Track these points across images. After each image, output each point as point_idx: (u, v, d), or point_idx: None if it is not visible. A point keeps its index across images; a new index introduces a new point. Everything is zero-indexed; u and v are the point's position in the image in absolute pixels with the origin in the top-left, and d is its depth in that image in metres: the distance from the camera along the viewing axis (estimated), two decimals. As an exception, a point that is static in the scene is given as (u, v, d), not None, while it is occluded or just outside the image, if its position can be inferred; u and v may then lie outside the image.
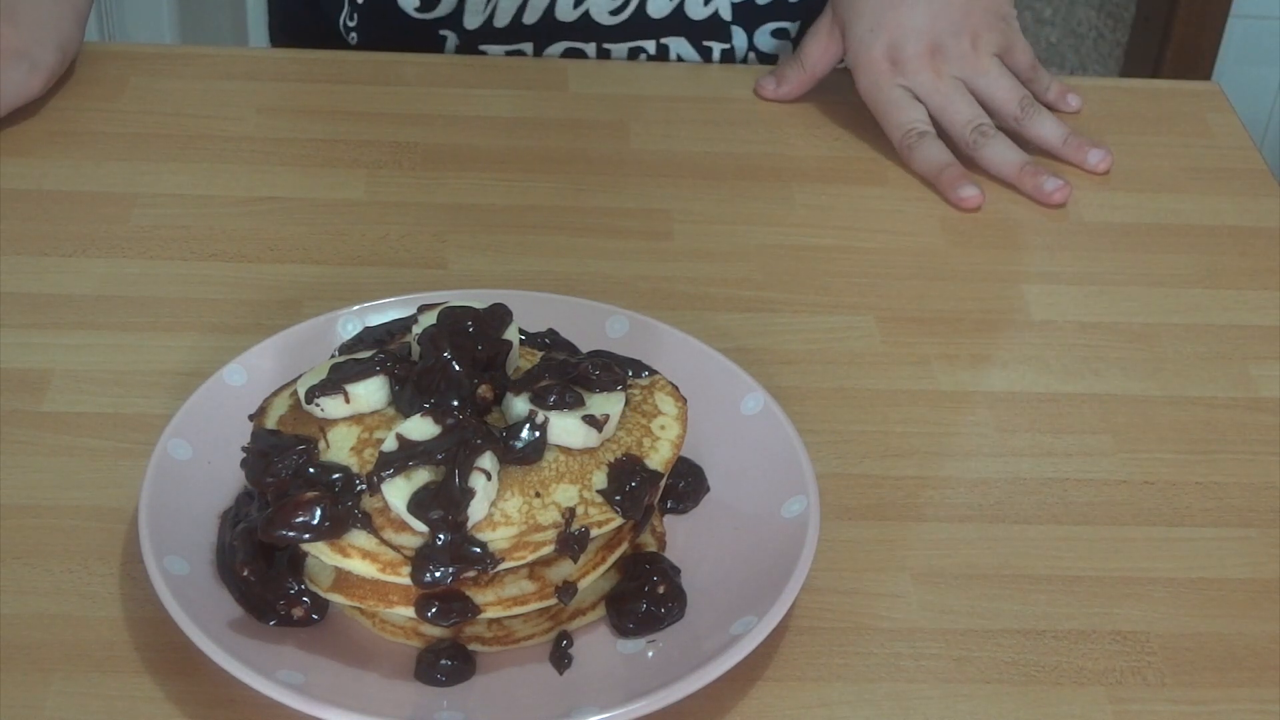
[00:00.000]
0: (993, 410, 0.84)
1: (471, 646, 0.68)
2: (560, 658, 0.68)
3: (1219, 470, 0.81)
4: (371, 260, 0.91)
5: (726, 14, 1.12)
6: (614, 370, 0.70)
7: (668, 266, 0.92)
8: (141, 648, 0.68)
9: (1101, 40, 2.84)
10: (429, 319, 0.72)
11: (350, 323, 0.80)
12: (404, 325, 0.75)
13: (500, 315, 0.72)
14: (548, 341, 0.76)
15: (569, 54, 1.12)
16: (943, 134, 1.02)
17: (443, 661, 0.66)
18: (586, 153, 1.02)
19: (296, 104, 1.05)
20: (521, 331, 0.74)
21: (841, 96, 1.08)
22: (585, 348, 0.77)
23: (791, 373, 0.85)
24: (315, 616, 0.68)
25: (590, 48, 1.12)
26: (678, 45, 1.12)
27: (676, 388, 0.73)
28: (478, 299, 0.73)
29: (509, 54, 1.12)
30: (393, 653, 0.68)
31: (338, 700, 0.63)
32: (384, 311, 0.80)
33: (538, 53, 1.12)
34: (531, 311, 0.78)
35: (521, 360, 0.72)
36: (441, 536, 0.64)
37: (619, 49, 1.12)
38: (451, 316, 0.71)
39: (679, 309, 0.89)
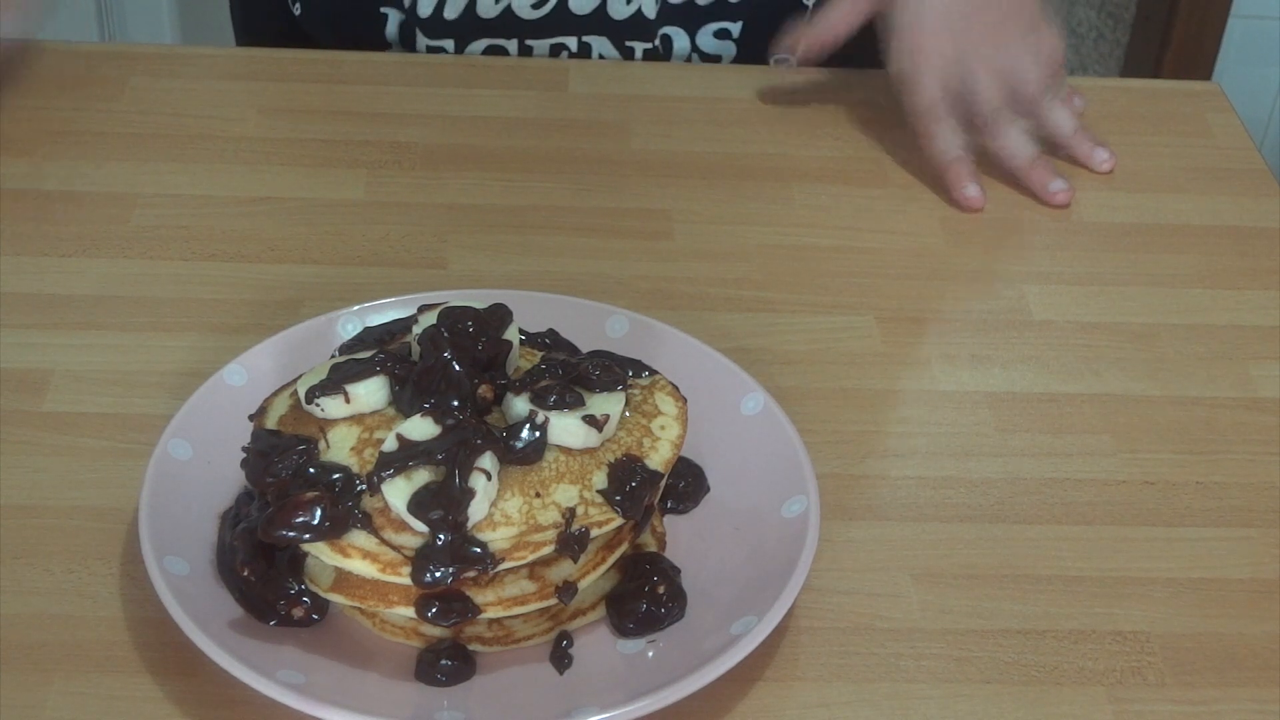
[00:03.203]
0: (993, 410, 0.84)
1: (472, 646, 0.68)
2: (560, 658, 0.68)
3: (1219, 470, 0.81)
4: (371, 260, 0.91)
5: (650, 12, 1.11)
6: (614, 370, 0.70)
7: (668, 266, 0.92)
8: (141, 648, 0.68)
9: (1101, 40, 2.84)
10: (429, 319, 0.72)
11: (350, 323, 0.80)
12: (404, 325, 0.75)
13: (500, 315, 0.72)
14: (548, 341, 0.76)
15: (490, 51, 1.12)
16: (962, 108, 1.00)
17: (443, 661, 0.66)
18: (586, 153, 1.02)
19: (296, 104, 1.05)
20: (521, 331, 0.74)
21: (841, 96, 1.08)
22: (585, 348, 0.77)
23: (791, 373, 0.85)
24: (315, 616, 0.68)
25: (512, 45, 1.12)
26: (600, 45, 1.12)
27: (676, 388, 0.73)
28: (478, 299, 0.73)
29: (430, 50, 1.12)
30: (393, 653, 0.68)
31: (338, 700, 0.63)
32: (384, 311, 0.80)
33: (459, 49, 1.12)
34: (531, 311, 0.78)
35: (521, 360, 0.72)
36: (441, 536, 0.64)
37: (541, 45, 1.12)
38: (451, 316, 0.71)
39: (679, 309, 0.89)
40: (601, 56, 1.13)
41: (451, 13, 1.09)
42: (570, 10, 1.10)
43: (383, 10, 1.12)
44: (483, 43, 1.11)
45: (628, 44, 1.12)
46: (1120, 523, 0.78)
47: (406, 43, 1.13)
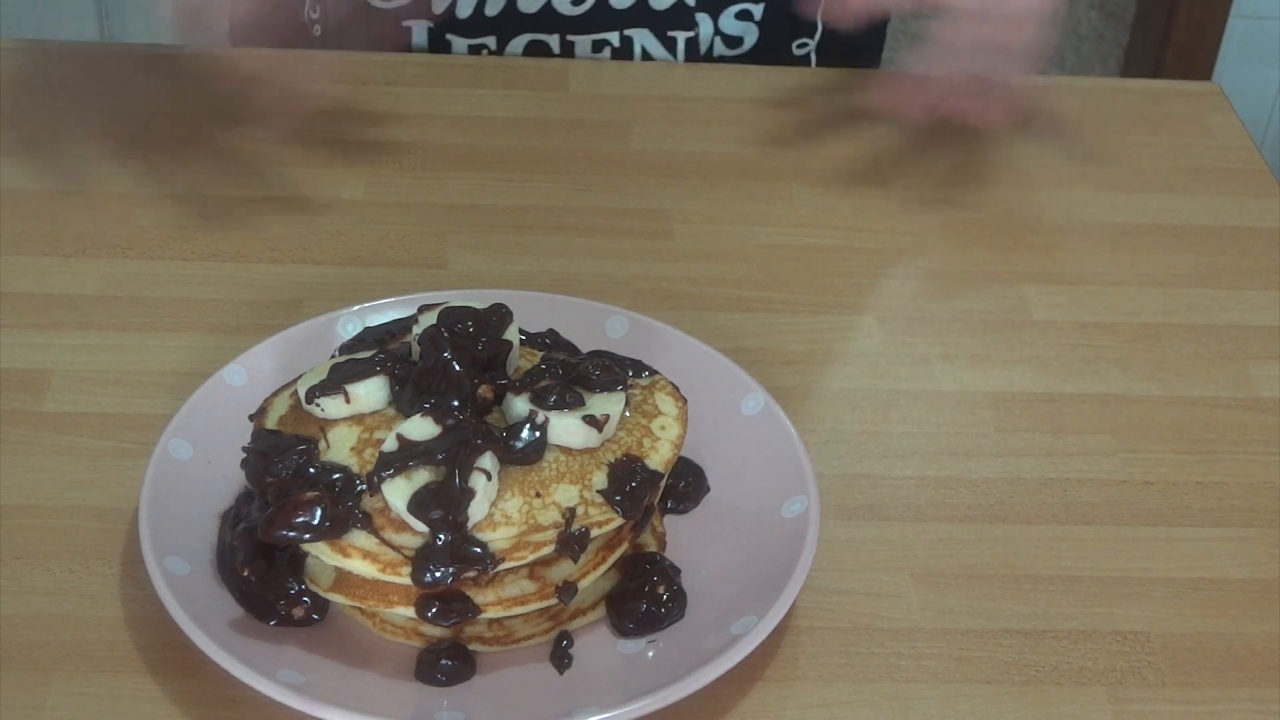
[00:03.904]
0: (993, 410, 0.84)
1: (472, 646, 0.68)
2: (560, 658, 0.68)
3: (1219, 470, 0.81)
4: (371, 260, 0.91)
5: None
6: (614, 370, 0.70)
7: (668, 266, 0.92)
8: (141, 648, 0.68)
9: (1101, 40, 2.84)
10: (429, 319, 0.72)
11: (350, 323, 0.81)
12: (404, 325, 0.75)
13: (500, 315, 0.72)
14: (548, 341, 0.76)
15: (532, 47, 1.12)
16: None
17: (443, 661, 0.67)
18: (586, 153, 1.02)
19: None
20: (521, 331, 0.74)
21: (841, 96, 1.08)
22: (585, 348, 0.77)
23: (791, 373, 0.85)
24: (315, 616, 0.68)
25: (554, 40, 1.12)
26: (641, 37, 1.12)
27: (676, 388, 0.73)
28: (478, 299, 0.73)
29: (472, 49, 1.12)
30: (393, 653, 0.68)
31: (338, 700, 0.63)
32: (384, 311, 0.80)
33: (501, 46, 1.12)
34: (531, 311, 0.78)
35: (521, 360, 0.72)
36: (442, 536, 0.64)
37: (583, 41, 1.12)
38: (451, 316, 0.71)
39: (679, 309, 0.89)
40: (645, 48, 1.12)
41: (493, 9, 1.09)
42: (610, 5, 1.10)
43: (405, 24, 1.11)
44: (525, 38, 1.11)
45: (669, 34, 1.12)
46: (1120, 523, 0.78)
47: (436, 50, 1.12)
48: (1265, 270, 0.96)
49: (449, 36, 1.11)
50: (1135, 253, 0.96)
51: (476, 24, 1.10)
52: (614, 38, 1.12)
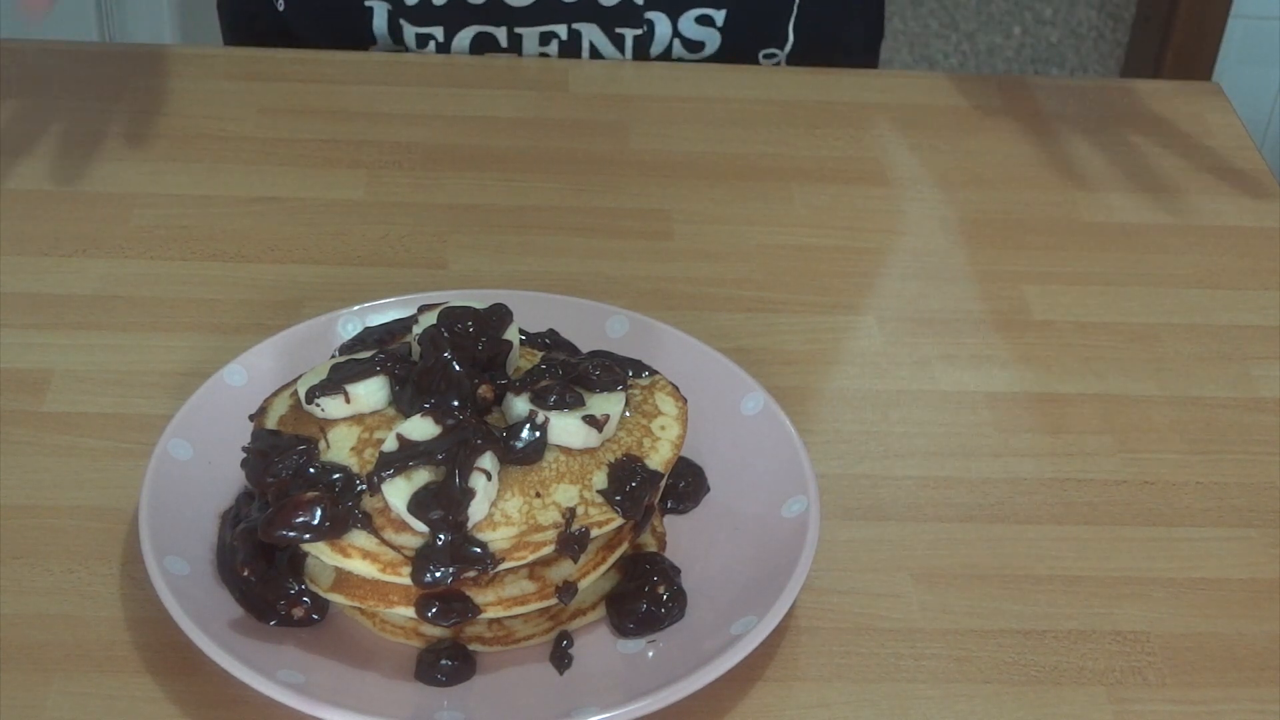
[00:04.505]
0: (993, 410, 0.84)
1: (472, 646, 0.68)
2: (560, 658, 0.68)
3: (1219, 470, 0.81)
4: (371, 260, 0.91)
5: None
6: (614, 370, 0.71)
7: (668, 266, 0.92)
8: (141, 648, 0.68)
9: (1101, 40, 2.84)
10: (429, 319, 0.72)
11: (350, 323, 0.81)
12: (404, 325, 0.75)
13: (500, 315, 0.72)
14: (548, 341, 0.76)
15: (480, 39, 1.12)
16: None
17: (443, 661, 0.67)
18: (586, 153, 1.02)
19: (296, 104, 1.05)
20: (521, 331, 0.74)
21: (842, 96, 1.08)
22: (585, 348, 0.77)
23: (791, 373, 0.85)
24: (315, 616, 0.68)
25: (501, 32, 1.11)
26: (590, 32, 1.12)
27: (676, 388, 0.73)
28: (478, 299, 0.73)
29: (420, 38, 1.11)
30: (393, 653, 0.68)
31: (338, 700, 0.63)
32: (384, 311, 0.80)
33: (448, 37, 1.12)
34: (531, 311, 0.78)
35: (521, 360, 0.72)
36: (442, 536, 0.64)
37: (530, 33, 1.12)
38: (451, 316, 0.71)
39: (679, 309, 0.89)
40: (593, 44, 1.12)
41: None
42: None
43: (368, 4, 1.12)
44: (471, 30, 1.11)
45: (617, 30, 1.12)
46: (1120, 523, 0.78)
47: (395, 35, 1.12)
48: (1265, 270, 0.96)
49: (401, 22, 1.11)
50: (1135, 253, 0.96)
51: (424, 12, 1.10)
52: (562, 31, 1.11)
